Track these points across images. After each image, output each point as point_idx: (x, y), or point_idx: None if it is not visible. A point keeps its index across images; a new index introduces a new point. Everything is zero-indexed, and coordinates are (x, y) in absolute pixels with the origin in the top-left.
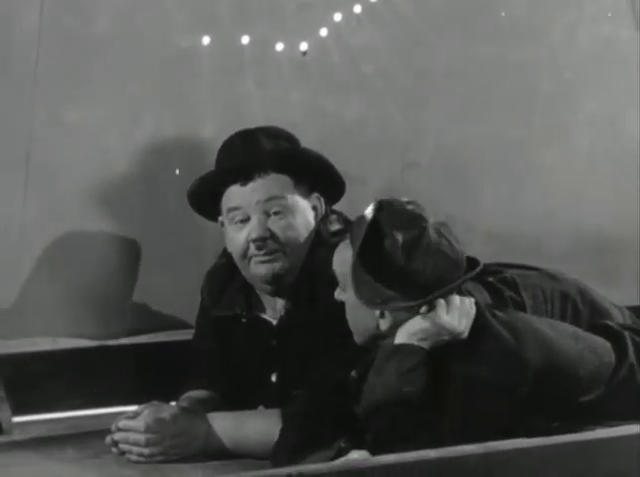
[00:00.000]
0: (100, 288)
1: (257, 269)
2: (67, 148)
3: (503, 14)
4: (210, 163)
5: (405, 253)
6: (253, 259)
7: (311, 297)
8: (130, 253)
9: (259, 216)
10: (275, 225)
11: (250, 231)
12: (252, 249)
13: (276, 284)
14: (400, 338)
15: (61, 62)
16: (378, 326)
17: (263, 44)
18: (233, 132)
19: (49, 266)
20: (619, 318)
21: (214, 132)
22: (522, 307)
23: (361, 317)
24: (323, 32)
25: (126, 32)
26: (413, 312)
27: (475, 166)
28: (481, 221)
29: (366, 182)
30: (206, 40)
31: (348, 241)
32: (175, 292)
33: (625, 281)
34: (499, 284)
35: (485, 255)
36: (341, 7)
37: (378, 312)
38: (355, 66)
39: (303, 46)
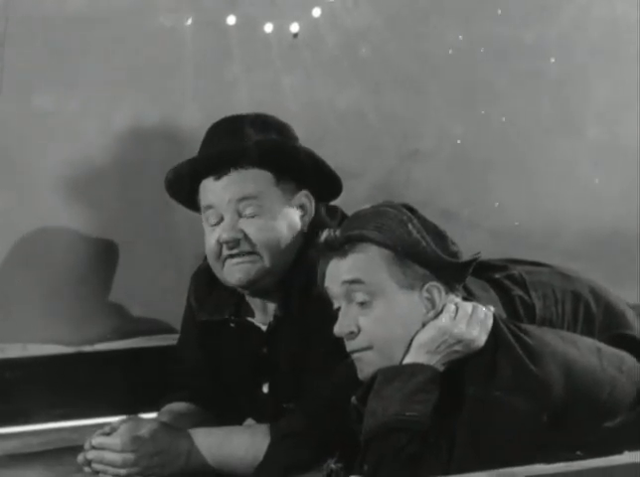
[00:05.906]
0: (74, 290)
1: (231, 273)
2: (37, 137)
3: None
4: (193, 153)
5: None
6: (227, 262)
7: (304, 301)
8: (106, 252)
9: (231, 216)
10: (249, 225)
11: (221, 232)
12: (225, 251)
13: (253, 288)
14: (410, 356)
15: (30, 44)
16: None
17: (251, 25)
18: (218, 120)
19: (17, 265)
20: (635, 321)
21: (198, 120)
22: (531, 307)
23: (409, 313)
24: (316, 12)
25: (102, 11)
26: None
27: (480, 156)
28: (486, 215)
29: (363, 174)
30: (189, 20)
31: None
32: (154, 293)
33: (637, 278)
34: (507, 282)
35: (491, 253)
36: None
37: (429, 303)
38: (351, 48)
39: (294, 27)
